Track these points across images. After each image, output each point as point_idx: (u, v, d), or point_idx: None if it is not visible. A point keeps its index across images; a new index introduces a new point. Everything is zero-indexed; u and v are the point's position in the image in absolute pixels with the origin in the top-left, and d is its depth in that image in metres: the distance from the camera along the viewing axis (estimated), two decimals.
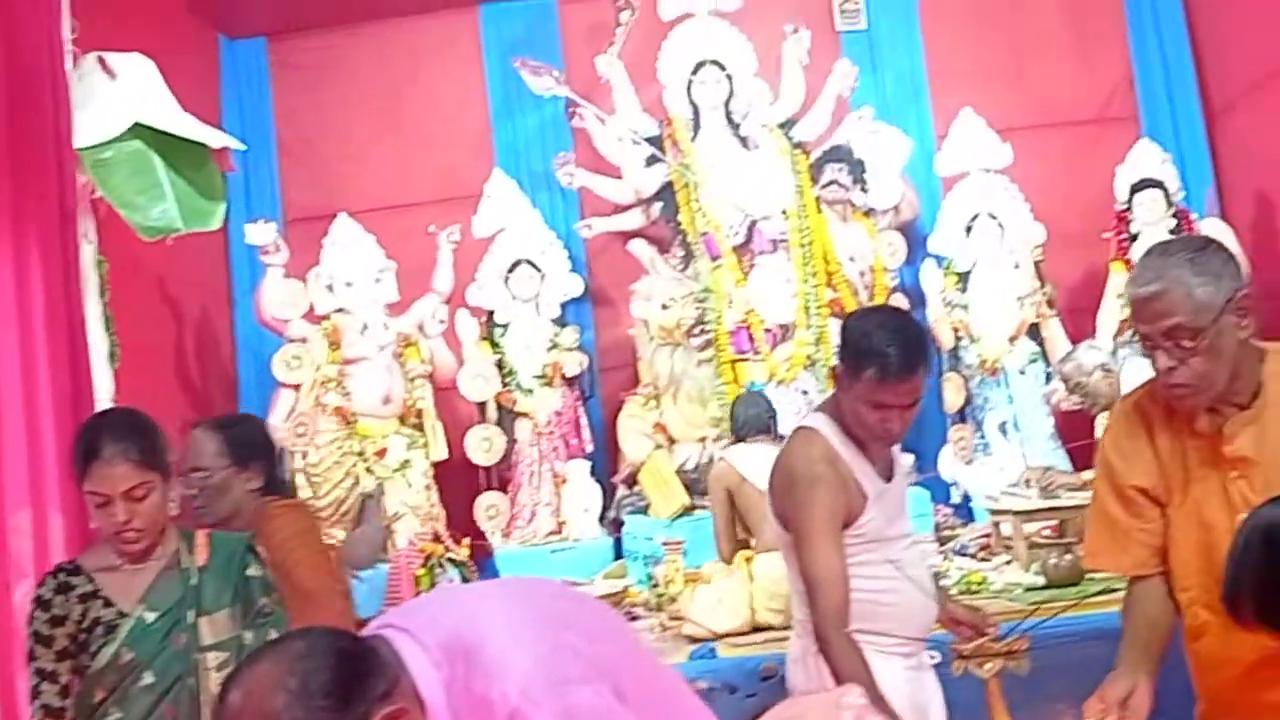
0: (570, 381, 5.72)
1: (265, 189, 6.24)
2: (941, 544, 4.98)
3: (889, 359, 2.39)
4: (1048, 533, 4.30)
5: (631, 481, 5.56)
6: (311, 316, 5.46)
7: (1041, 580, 3.79)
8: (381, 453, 5.33)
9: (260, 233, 5.41)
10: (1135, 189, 5.73)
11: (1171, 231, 5.65)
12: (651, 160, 5.84)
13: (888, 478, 2.60)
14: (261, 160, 6.22)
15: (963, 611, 2.70)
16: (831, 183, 5.79)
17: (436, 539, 4.87)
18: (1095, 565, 2.28)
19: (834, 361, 2.56)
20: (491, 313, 5.75)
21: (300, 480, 5.29)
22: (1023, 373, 5.85)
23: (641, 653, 1.68)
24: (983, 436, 5.87)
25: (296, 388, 5.39)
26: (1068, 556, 3.66)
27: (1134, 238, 5.75)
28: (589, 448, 5.75)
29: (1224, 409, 2.07)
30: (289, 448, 5.27)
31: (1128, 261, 5.64)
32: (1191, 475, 2.08)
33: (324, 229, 5.58)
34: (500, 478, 5.64)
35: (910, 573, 2.58)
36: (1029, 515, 4.18)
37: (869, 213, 5.98)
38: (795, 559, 2.50)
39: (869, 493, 2.53)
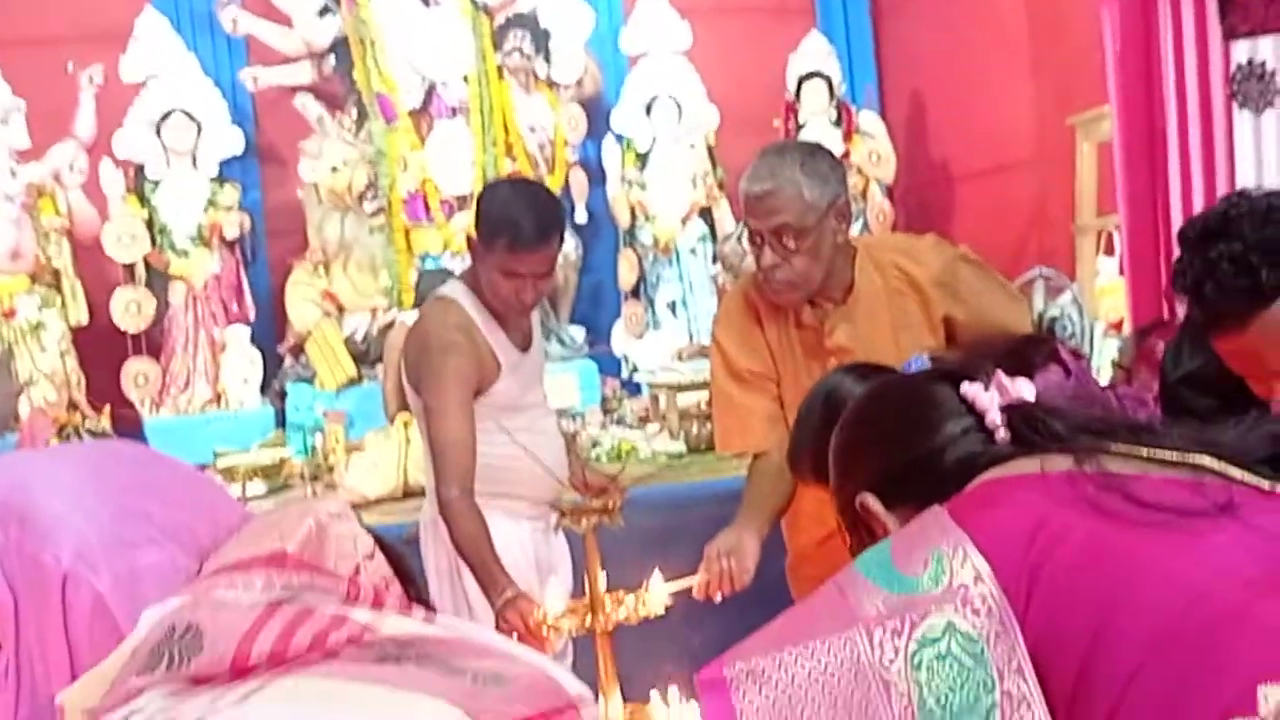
0: (231, 244, 5.39)
1: None
2: (606, 415, 5.14)
3: (521, 228, 2.38)
4: (703, 405, 4.52)
5: (297, 351, 5.36)
6: None
7: (683, 448, 3.99)
8: (9, 313, 4.84)
9: None
10: (803, 79, 5.98)
11: (833, 123, 5.97)
12: (324, 11, 5.49)
13: (524, 348, 2.62)
14: None
15: (594, 476, 2.79)
16: (514, 50, 5.68)
17: (73, 407, 4.51)
18: (728, 448, 2.36)
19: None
20: (141, 166, 5.28)
21: None
22: (693, 252, 6.07)
23: (236, 517, 1.62)
24: (654, 313, 6.07)
25: None
26: (707, 425, 3.87)
27: (801, 126, 6.03)
28: (251, 314, 5.47)
29: (823, 303, 2.21)
30: None
31: None
32: (799, 364, 2.22)
33: None
34: (151, 344, 5.28)
35: (542, 440, 2.64)
36: (681, 389, 4.38)
37: (552, 85, 5.93)
38: (425, 425, 2.49)
39: (503, 362, 2.54)
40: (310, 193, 5.39)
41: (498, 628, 2.17)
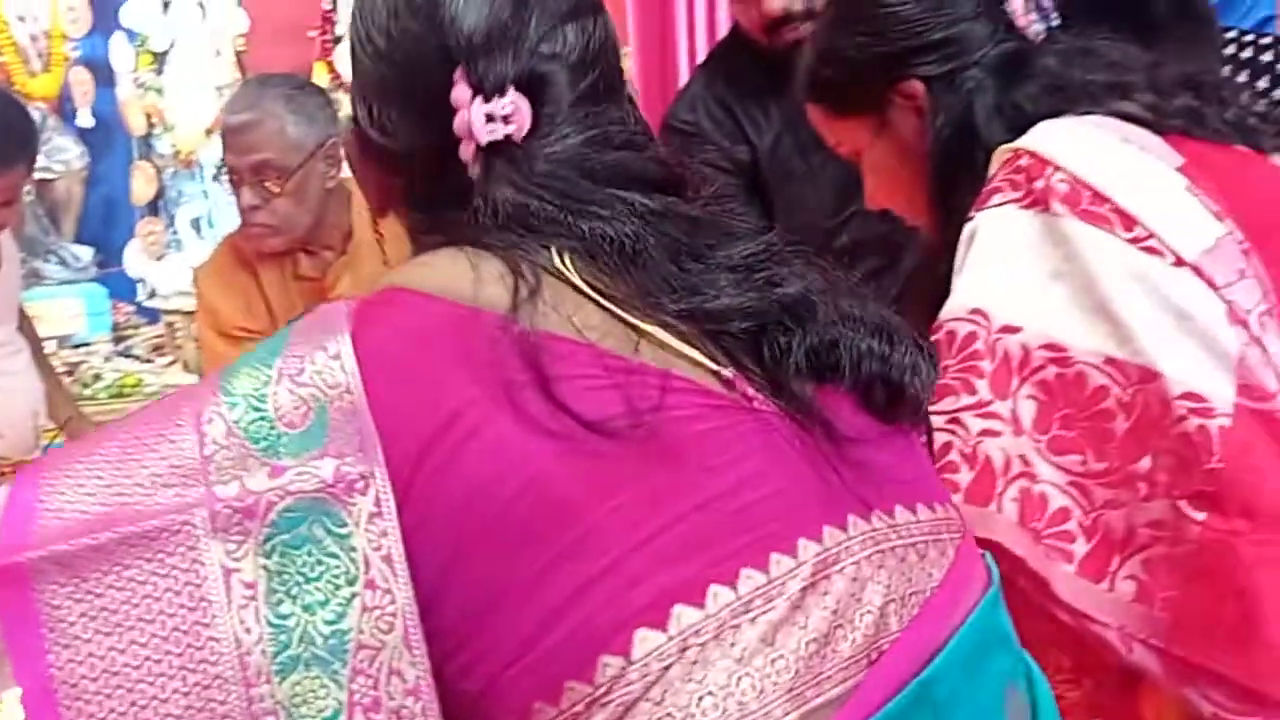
0: None
1: None
2: (118, 344, 4.70)
3: None
4: None
5: None
6: None
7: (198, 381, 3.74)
8: None
9: None
10: None
11: None
12: None
13: None
14: None
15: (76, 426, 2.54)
16: None
17: None
18: None
19: None
20: None
21: None
22: (219, 167, 5.65)
23: None
24: (175, 232, 5.60)
25: None
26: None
27: (338, 39, 5.77)
28: None
29: (322, 252, 2.11)
30: None
31: (330, 63, 5.66)
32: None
33: None
34: None
35: (6, 384, 2.35)
36: None
37: None
38: None
39: None
40: None
41: None
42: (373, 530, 0.77)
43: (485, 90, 0.87)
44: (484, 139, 0.87)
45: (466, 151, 0.88)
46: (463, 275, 0.85)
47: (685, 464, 0.81)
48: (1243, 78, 2.18)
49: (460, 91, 0.88)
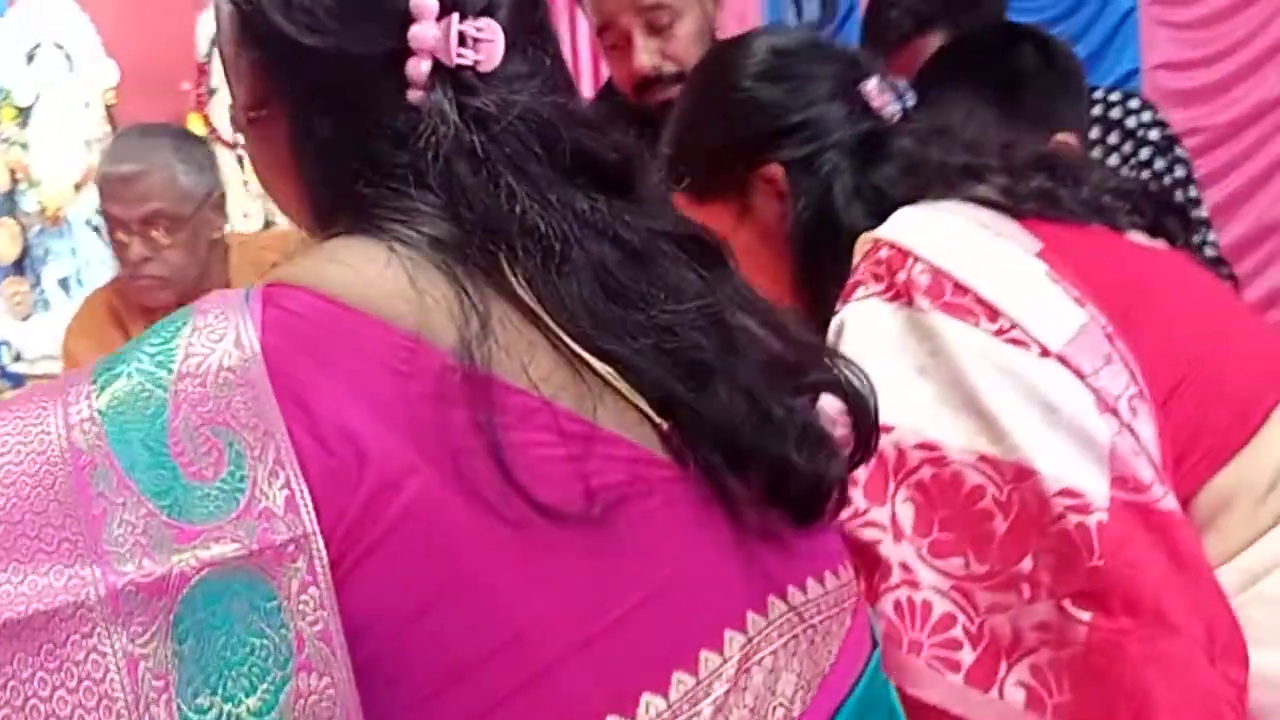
0: None
1: None
2: None
3: None
4: None
5: None
6: None
7: None
8: None
9: None
10: (215, 41, 5.58)
11: None
12: None
13: None
14: None
15: None
16: None
17: None
18: None
19: None
20: None
21: None
22: (89, 223, 5.46)
23: None
24: (42, 291, 5.40)
25: None
26: None
27: (214, 91, 5.64)
28: None
29: None
30: None
31: (205, 116, 5.53)
32: None
33: None
34: None
35: None
36: None
37: None
38: None
39: None
40: None
41: None
42: (306, 602, 0.64)
43: (460, 8, 0.75)
44: (454, 59, 0.74)
45: (417, 70, 0.74)
46: (398, 290, 0.71)
47: (631, 551, 0.73)
48: (1095, 134, 2.22)
49: None
